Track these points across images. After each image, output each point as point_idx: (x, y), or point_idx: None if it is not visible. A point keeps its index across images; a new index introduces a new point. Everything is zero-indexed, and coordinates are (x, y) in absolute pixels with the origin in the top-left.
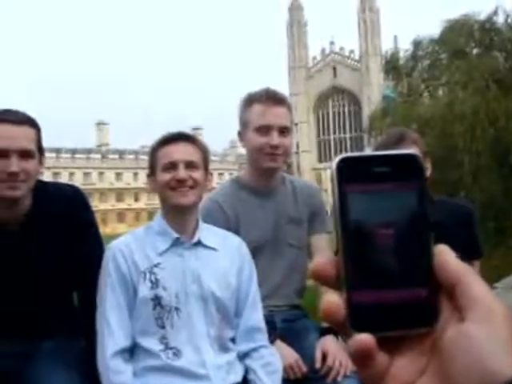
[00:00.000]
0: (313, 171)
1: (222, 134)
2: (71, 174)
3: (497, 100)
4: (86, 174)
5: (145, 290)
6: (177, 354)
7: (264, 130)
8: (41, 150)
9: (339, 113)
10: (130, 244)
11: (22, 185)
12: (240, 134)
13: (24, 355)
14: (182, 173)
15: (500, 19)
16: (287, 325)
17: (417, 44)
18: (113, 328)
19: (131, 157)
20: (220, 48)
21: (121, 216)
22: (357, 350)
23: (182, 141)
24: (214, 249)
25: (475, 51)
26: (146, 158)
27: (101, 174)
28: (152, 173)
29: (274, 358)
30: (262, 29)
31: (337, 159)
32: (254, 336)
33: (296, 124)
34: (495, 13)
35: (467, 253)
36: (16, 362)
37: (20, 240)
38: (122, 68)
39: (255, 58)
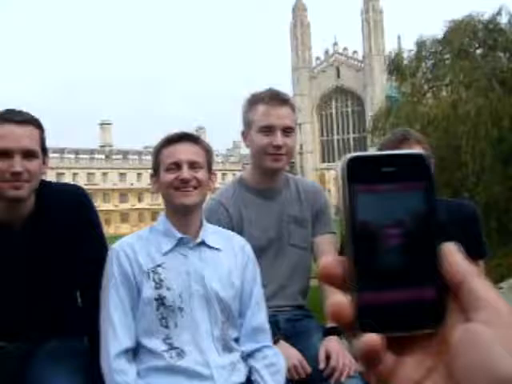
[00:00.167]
0: (316, 171)
1: (225, 135)
2: (75, 174)
3: (500, 100)
4: (90, 175)
5: (148, 290)
6: (180, 354)
7: (267, 130)
8: (44, 150)
9: (342, 113)
10: (134, 244)
11: (25, 185)
12: (243, 134)
13: (27, 355)
14: (185, 173)
15: (504, 19)
16: (291, 325)
17: (420, 44)
18: (116, 328)
19: (135, 157)
20: (224, 49)
21: (124, 216)
22: (365, 350)
23: (186, 141)
24: (217, 249)
25: (479, 51)
26: (149, 158)
27: (104, 174)
28: (156, 173)
29: (278, 359)
30: (266, 30)
31: (345, 159)
32: (258, 336)
33: (299, 124)
34: (499, 13)
35: (471, 252)
36: (19, 362)
37: (23, 240)
38: (123, 68)
39: (258, 58)
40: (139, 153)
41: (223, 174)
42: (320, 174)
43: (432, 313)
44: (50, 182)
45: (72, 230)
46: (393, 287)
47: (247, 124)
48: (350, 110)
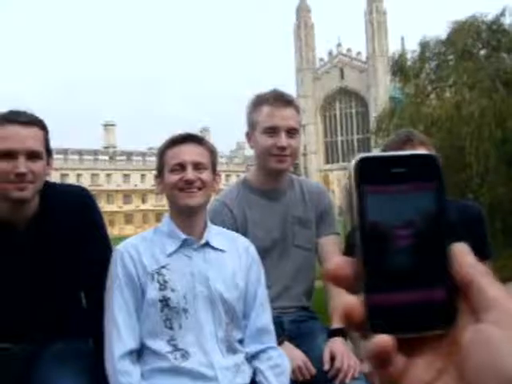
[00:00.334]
0: (320, 172)
1: (228, 136)
2: (79, 175)
3: (504, 101)
4: (94, 176)
5: (153, 292)
6: (185, 355)
7: (272, 131)
8: (49, 151)
9: (346, 114)
10: (138, 245)
11: (29, 186)
12: (248, 135)
13: (32, 357)
14: (190, 174)
15: (507, 20)
16: (295, 326)
17: (424, 45)
18: (121, 329)
19: (138, 158)
20: (228, 49)
21: (128, 217)
22: (376, 352)
23: (190, 142)
24: (222, 250)
25: (482, 52)
26: (153, 159)
27: (108, 175)
28: (160, 174)
29: (283, 360)
30: (270, 30)
31: (356, 159)
32: (262, 337)
33: (303, 125)
34: (502, 14)
35: (476, 253)
36: (24, 364)
37: (27, 241)
38: (124, 68)
39: (262, 59)
40: (143, 154)
41: (227, 176)
42: (324, 175)
43: (442, 314)
44: (54, 183)
45: (76, 231)
46: (403, 288)
47: (251, 125)
48: (353, 111)
